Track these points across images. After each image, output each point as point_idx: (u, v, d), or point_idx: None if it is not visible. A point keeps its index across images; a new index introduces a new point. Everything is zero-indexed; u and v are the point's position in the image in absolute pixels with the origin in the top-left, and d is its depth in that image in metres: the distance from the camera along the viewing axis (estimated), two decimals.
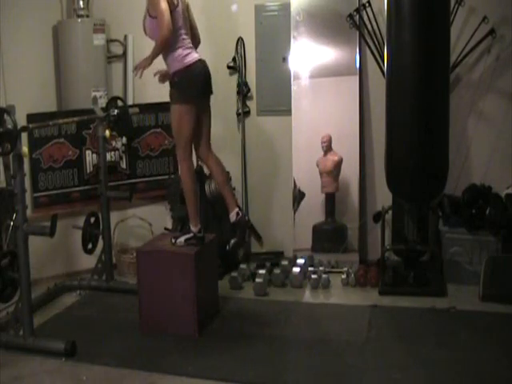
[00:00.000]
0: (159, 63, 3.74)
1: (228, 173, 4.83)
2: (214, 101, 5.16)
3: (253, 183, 4.96)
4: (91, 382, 3.16)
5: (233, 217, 3.79)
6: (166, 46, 3.57)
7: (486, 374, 3.10)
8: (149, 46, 5.18)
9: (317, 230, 4.80)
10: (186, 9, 3.76)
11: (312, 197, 4.80)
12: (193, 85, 3.65)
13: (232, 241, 3.79)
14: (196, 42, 3.86)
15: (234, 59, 4.84)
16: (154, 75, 3.77)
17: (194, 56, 3.67)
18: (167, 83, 3.77)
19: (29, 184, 4.30)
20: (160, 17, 3.50)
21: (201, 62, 3.71)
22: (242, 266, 4.56)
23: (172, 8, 3.56)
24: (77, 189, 4.68)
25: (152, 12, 3.58)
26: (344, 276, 4.41)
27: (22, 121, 3.57)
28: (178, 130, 3.71)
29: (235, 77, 4.88)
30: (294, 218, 4.81)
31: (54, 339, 3.46)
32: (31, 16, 4.60)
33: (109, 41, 4.97)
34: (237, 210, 3.81)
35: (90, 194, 4.66)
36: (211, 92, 3.83)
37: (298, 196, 4.79)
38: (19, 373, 3.22)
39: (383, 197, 4.54)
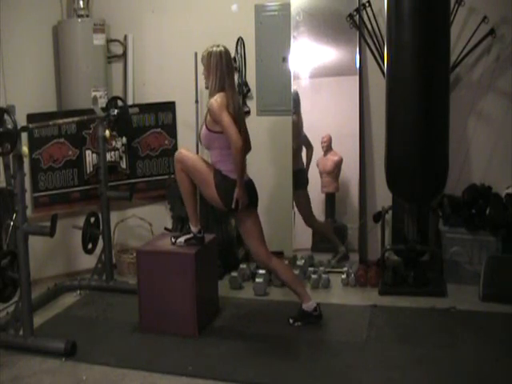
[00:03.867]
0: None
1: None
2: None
3: None
4: (91, 381, 3.15)
5: (309, 307, 3.70)
6: (243, 156, 3.48)
7: (486, 373, 3.10)
8: (149, 45, 5.22)
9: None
10: (241, 119, 3.62)
11: (312, 197, 4.80)
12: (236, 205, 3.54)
13: (296, 323, 3.72)
14: (247, 149, 3.69)
15: (234, 59, 4.83)
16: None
17: (247, 176, 3.61)
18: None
19: (29, 184, 4.31)
20: (226, 129, 3.40)
21: (250, 183, 3.65)
22: (242, 265, 4.56)
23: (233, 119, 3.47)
24: (77, 189, 4.68)
25: (212, 126, 3.50)
26: (344, 276, 4.42)
27: (22, 121, 3.57)
28: (192, 172, 3.60)
29: (235, 77, 4.86)
30: (293, 218, 4.82)
31: (53, 339, 3.46)
32: (31, 16, 4.60)
33: (109, 41, 4.97)
34: (315, 303, 3.72)
35: (89, 194, 4.66)
36: (257, 205, 3.72)
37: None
38: (19, 373, 3.22)
39: (383, 197, 4.54)
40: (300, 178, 4.77)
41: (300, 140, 4.76)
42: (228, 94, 3.51)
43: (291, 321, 3.74)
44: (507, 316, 3.75)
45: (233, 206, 3.53)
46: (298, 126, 4.75)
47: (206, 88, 3.61)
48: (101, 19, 4.81)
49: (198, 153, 4.57)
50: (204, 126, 3.58)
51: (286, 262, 4.55)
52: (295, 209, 4.82)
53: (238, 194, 3.51)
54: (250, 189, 3.62)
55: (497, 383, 3.04)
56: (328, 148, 4.73)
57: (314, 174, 4.77)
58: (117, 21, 5.01)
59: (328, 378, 3.11)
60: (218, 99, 3.47)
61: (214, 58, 3.54)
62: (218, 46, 3.59)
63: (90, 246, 4.39)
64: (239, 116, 3.57)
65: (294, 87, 4.76)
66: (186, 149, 3.78)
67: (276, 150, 4.91)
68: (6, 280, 3.41)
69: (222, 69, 3.52)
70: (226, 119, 3.42)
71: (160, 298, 3.64)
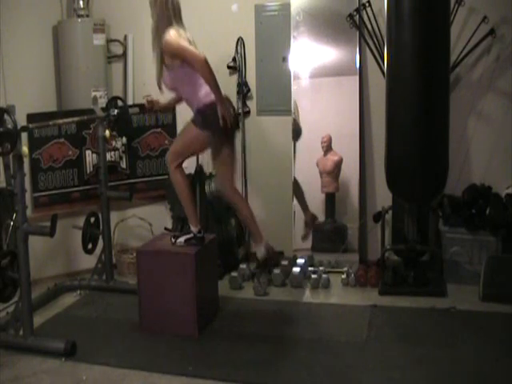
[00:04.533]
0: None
1: None
2: None
3: (253, 183, 4.96)
4: (91, 381, 3.15)
5: (261, 252, 3.77)
6: (211, 69, 3.47)
7: (486, 374, 3.10)
8: (149, 45, 5.21)
9: (317, 230, 4.80)
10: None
11: (312, 197, 4.80)
12: (224, 123, 3.54)
13: (259, 280, 3.77)
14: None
15: (234, 59, 4.84)
16: (143, 98, 3.76)
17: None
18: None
19: (29, 184, 4.31)
20: (186, 52, 3.44)
21: (226, 99, 3.65)
22: (242, 266, 4.56)
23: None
24: (77, 189, 4.68)
25: (171, 62, 3.51)
26: (344, 276, 4.42)
27: (22, 121, 3.57)
28: (184, 148, 3.68)
29: (235, 77, 4.88)
30: (293, 218, 4.81)
31: (53, 339, 3.46)
32: (31, 16, 4.60)
33: (109, 41, 4.97)
34: (264, 243, 3.79)
35: (89, 194, 4.66)
36: (238, 127, 3.78)
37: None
38: (19, 373, 3.22)
39: (383, 197, 4.54)
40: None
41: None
42: (176, 27, 3.53)
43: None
44: (507, 316, 3.75)
45: (221, 123, 3.50)
46: None
47: (153, 32, 3.58)
48: (101, 19, 4.81)
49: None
50: (164, 71, 3.57)
51: (286, 262, 4.56)
52: (295, 209, 4.81)
53: (221, 110, 3.49)
54: (228, 104, 3.63)
55: (497, 383, 3.04)
56: (328, 148, 4.73)
57: (314, 174, 4.77)
58: (117, 21, 5.01)
59: (328, 378, 3.11)
60: (170, 33, 3.49)
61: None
62: None
63: (90, 246, 4.39)
64: (195, 44, 3.58)
65: (293, 87, 4.76)
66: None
67: (276, 149, 4.91)
68: (6, 280, 3.42)
69: (168, 7, 3.54)
70: (183, 43, 3.45)
71: (160, 298, 3.64)
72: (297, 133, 4.79)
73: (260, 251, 3.79)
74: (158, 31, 3.55)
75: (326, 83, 4.79)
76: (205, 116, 3.57)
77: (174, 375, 3.19)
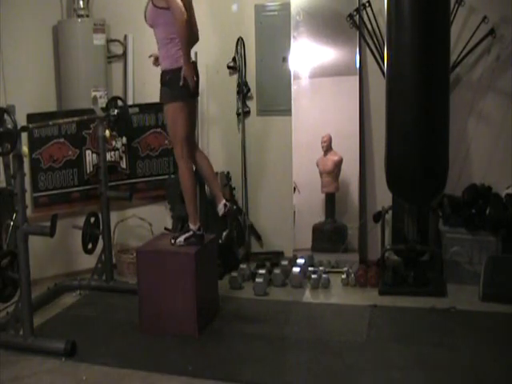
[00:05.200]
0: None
1: (228, 173, 4.84)
2: (214, 101, 5.18)
3: (253, 183, 4.96)
4: (91, 381, 3.15)
5: (221, 209, 3.82)
6: (187, 30, 3.51)
7: (486, 373, 3.10)
8: (148, 45, 5.20)
9: (317, 230, 4.80)
10: (189, 6, 3.72)
11: (312, 197, 4.80)
12: (185, 85, 3.62)
13: (224, 233, 3.81)
14: (194, 40, 3.84)
15: (234, 59, 4.84)
16: (149, 57, 3.78)
17: None
18: None
19: (29, 184, 4.30)
20: (173, 4, 3.47)
21: (194, 64, 3.70)
22: (242, 266, 4.56)
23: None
24: (77, 189, 4.68)
25: (158, 2, 3.55)
26: (344, 276, 4.41)
27: (22, 121, 3.57)
28: (174, 129, 3.72)
29: (235, 77, 4.88)
30: (294, 217, 4.82)
31: (53, 339, 3.46)
32: (31, 16, 4.60)
33: (109, 41, 4.97)
34: (224, 201, 3.83)
35: (89, 194, 4.66)
36: (198, 93, 3.83)
37: None
38: (19, 373, 3.22)
39: (383, 197, 4.54)
40: None
41: None
42: None
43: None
44: (507, 316, 3.75)
45: (181, 83, 3.55)
46: None
47: None
48: (101, 19, 4.81)
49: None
50: (150, 4, 3.61)
51: (286, 262, 4.56)
52: (295, 209, 4.81)
53: (186, 72, 3.55)
54: (195, 69, 3.67)
55: (496, 383, 3.04)
56: (328, 148, 4.73)
57: (314, 174, 4.77)
58: (117, 21, 5.01)
59: (328, 378, 3.11)
60: None
61: None
62: None
63: (90, 246, 4.39)
64: (188, 3, 3.62)
65: (293, 87, 4.76)
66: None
67: (276, 149, 4.91)
68: (6, 280, 3.41)
69: None
70: None
71: (160, 298, 3.64)
72: None
73: (220, 209, 3.83)
74: None
75: (326, 83, 4.79)
76: (169, 85, 3.63)
77: (174, 375, 3.18)
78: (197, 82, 3.72)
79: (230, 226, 3.89)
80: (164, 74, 3.68)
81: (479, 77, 4.45)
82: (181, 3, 3.50)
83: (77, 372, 3.23)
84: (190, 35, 3.61)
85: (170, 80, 3.64)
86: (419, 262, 4.30)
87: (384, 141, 4.13)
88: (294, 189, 4.82)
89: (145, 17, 3.73)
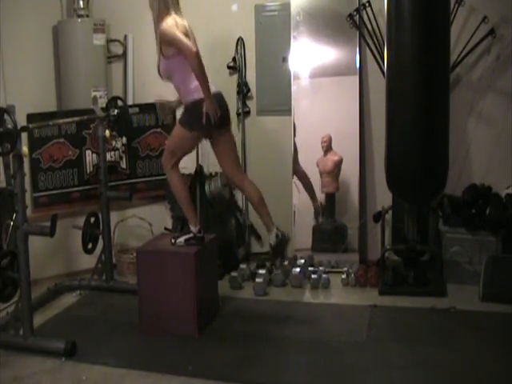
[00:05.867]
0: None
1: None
2: None
3: None
4: (91, 381, 3.15)
5: (272, 239, 3.76)
6: (202, 64, 3.47)
7: (486, 373, 3.09)
8: (148, 45, 5.21)
9: (317, 230, 4.80)
10: (194, 42, 3.68)
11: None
12: (208, 119, 3.53)
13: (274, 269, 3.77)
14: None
15: (234, 59, 4.84)
16: (154, 101, 3.76)
17: (211, 88, 3.57)
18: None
19: (29, 184, 4.31)
20: (179, 43, 3.46)
21: (218, 95, 3.64)
22: (242, 265, 4.56)
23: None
24: (77, 189, 4.68)
25: (167, 51, 3.54)
26: (344, 276, 4.41)
27: (22, 121, 3.57)
28: (175, 148, 3.69)
29: (235, 77, 4.88)
30: (294, 218, 4.82)
31: (53, 339, 3.46)
32: (31, 16, 4.60)
33: (109, 41, 4.98)
34: (275, 231, 3.77)
35: (89, 194, 4.66)
36: (229, 122, 3.76)
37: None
38: (19, 373, 3.22)
39: (383, 197, 4.54)
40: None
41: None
42: (175, 16, 3.57)
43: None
44: (507, 316, 3.75)
45: (203, 121, 3.51)
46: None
47: (154, 21, 3.63)
48: (101, 19, 4.81)
49: (197, 154, 4.58)
50: (160, 58, 3.61)
51: (286, 262, 4.56)
52: (295, 209, 4.82)
53: (207, 107, 3.49)
54: (219, 101, 3.62)
55: (496, 383, 3.04)
56: (328, 148, 4.73)
57: (314, 174, 4.77)
58: (117, 21, 5.01)
59: (328, 378, 3.11)
60: (167, 22, 3.52)
61: None
62: None
63: (90, 245, 4.39)
64: (191, 34, 3.62)
65: (293, 87, 4.76)
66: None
67: (276, 150, 4.91)
68: (6, 280, 3.41)
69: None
70: (178, 33, 3.48)
71: (160, 298, 3.64)
72: None
73: (271, 239, 3.78)
74: (158, 20, 3.58)
75: (326, 83, 4.79)
76: (190, 114, 3.60)
77: (174, 375, 3.18)
78: (226, 114, 3.67)
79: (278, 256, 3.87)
80: (184, 110, 3.65)
81: (479, 77, 4.45)
82: (185, 39, 3.47)
83: (77, 372, 3.23)
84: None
85: (190, 110, 3.59)
86: (419, 262, 4.30)
87: (384, 141, 4.13)
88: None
89: (158, 71, 3.70)
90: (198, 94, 3.53)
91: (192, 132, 3.62)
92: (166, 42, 3.54)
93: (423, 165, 3.95)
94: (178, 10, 3.64)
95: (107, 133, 4.33)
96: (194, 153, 3.85)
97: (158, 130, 4.97)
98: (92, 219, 4.37)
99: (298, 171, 4.83)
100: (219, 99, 3.62)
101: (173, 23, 3.53)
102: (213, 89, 3.57)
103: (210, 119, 3.51)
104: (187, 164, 4.46)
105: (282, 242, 3.78)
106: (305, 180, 4.82)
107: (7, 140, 3.19)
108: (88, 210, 4.44)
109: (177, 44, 3.49)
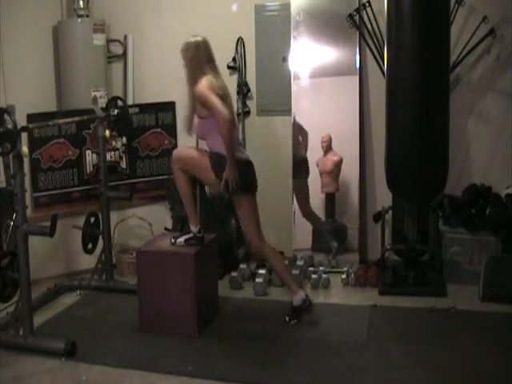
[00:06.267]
0: None
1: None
2: None
3: None
4: (91, 381, 3.15)
5: (297, 301, 3.71)
6: (232, 131, 3.49)
7: (486, 373, 3.10)
8: (148, 45, 5.20)
9: (317, 230, 4.80)
10: (229, 104, 3.66)
11: (312, 197, 4.80)
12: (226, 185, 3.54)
13: (292, 321, 3.74)
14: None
15: (234, 59, 4.84)
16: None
17: (241, 155, 3.61)
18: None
19: (29, 184, 4.31)
20: (213, 107, 3.43)
21: (245, 163, 3.63)
22: (242, 265, 4.56)
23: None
24: (77, 189, 4.68)
25: (202, 112, 3.53)
26: (344, 276, 4.42)
27: (22, 121, 3.57)
28: (191, 165, 3.63)
29: (235, 77, 4.88)
30: (294, 217, 4.82)
31: (53, 339, 3.46)
32: (31, 16, 4.60)
33: (109, 41, 4.98)
34: (301, 294, 3.71)
35: (89, 194, 4.66)
36: (256, 189, 3.74)
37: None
38: (19, 373, 3.22)
39: (383, 197, 4.54)
40: (300, 167, 4.76)
41: (295, 130, 4.77)
42: (210, 77, 3.53)
43: (287, 319, 3.75)
44: (507, 316, 3.75)
45: (221, 189, 3.53)
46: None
47: (188, 82, 3.61)
48: (101, 19, 4.81)
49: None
50: (195, 117, 3.61)
51: (286, 262, 4.55)
52: (295, 209, 4.82)
53: (228, 174, 3.49)
54: (246, 170, 3.62)
55: (496, 383, 3.04)
56: (328, 148, 4.73)
57: (314, 174, 4.77)
58: (117, 21, 5.01)
59: (328, 378, 3.11)
60: (202, 82, 3.50)
61: (191, 49, 3.57)
62: (196, 36, 3.61)
63: (90, 245, 4.39)
64: (226, 96, 3.59)
65: (293, 87, 4.76)
66: (182, 148, 3.82)
67: (276, 150, 4.91)
68: (6, 280, 3.41)
69: (200, 58, 3.56)
70: (213, 98, 3.45)
71: (160, 298, 3.64)
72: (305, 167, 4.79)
73: (296, 300, 3.73)
74: (192, 79, 3.56)
75: (326, 83, 4.79)
76: (218, 162, 3.55)
77: (174, 375, 3.18)
78: (252, 180, 3.67)
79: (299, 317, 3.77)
80: (216, 155, 3.58)
81: (479, 77, 4.45)
82: (220, 104, 3.43)
83: (77, 372, 3.23)
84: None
85: (218, 163, 3.55)
86: (419, 262, 4.30)
87: (384, 141, 4.13)
88: None
89: (187, 130, 3.72)
90: (245, 155, 3.59)
91: (213, 171, 3.58)
92: (201, 103, 3.52)
93: (423, 165, 3.95)
94: (213, 69, 3.59)
95: (107, 133, 4.33)
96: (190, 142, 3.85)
97: (158, 129, 4.97)
98: (92, 219, 4.37)
99: (307, 212, 4.79)
100: (246, 167, 3.62)
101: (208, 84, 3.48)
102: (242, 155, 3.61)
103: (228, 185, 3.51)
104: None
105: (306, 308, 3.73)
106: (315, 221, 4.80)
107: (7, 140, 3.19)
108: (88, 210, 4.44)
109: (211, 108, 3.46)
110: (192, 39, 3.59)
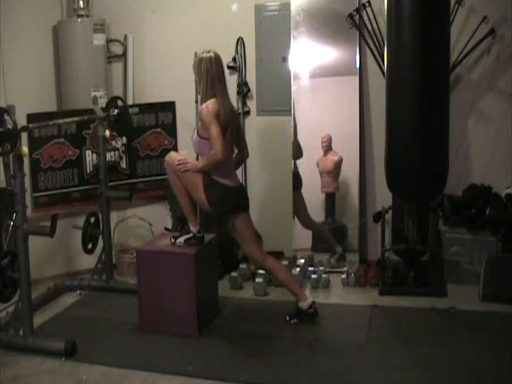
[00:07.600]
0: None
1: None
2: None
3: (253, 183, 4.96)
4: (91, 381, 3.16)
5: (304, 306, 3.72)
6: (217, 164, 3.51)
7: (486, 373, 3.10)
8: (148, 45, 5.20)
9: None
10: (237, 129, 3.70)
11: (312, 197, 4.80)
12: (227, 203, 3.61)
13: (292, 320, 3.76)
14: (242, 158, 3.86)
15: (234, 59, 4.83)
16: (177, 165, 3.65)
17: (234, 182, 3.65)
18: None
19: (29, 184, 4.31)
20: (214, 143, 3.44)
21: (237, 189, 3.67)
22: (242, 265, 4.56)
23: (223, 132, 3.48)
24: (77, 189, 4.69)
25: (202, 133, 3.54)
26: (344, 276, 4.42)
27: (22, 121, 3.57)
28: (187, 180, 3.61)
29: (235, 77, 4.88)
30: (293, 218, 4.81)
31: (53, 339, 3.46)
32: (31, 16, 4.60)
33: (109, 41, 4.98)
34: (309, 301, 3.73)
35: (89, 194, 4.67)
36: (247, 209, 3.75)
37: None
38: (19, 373, 3.22)
39: (383, 197, 4.54)
40: (295, 180, 4.77)
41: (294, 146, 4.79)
42: (219, 99, 3.53)
43: (287, 318, 3.76)
44: (507, 316, 3.75)
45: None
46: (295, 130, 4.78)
47: (199, 94, 3.64)
48: (101, 19, 4.81)
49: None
50: (195, 132, 3.62)
51: (286, 262, 4.55)
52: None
53: (192, 166, 3.53)
54: (239, 193, 3.68)
55: (496, 383, 3.04)
56: (328, 148, 4.73)
57: (314, 174, 4.77)
58: (117, 21, 5.01)
59: (328, 378, 3.11)
60: (209, 106, 3.50)
61: (204, 64, 3.55)
62: (209, 51, 3.60)
63: (90, 245, 4.39)
64: (231, 122, 3.59)
65: (293, 87, 4.76)
66: (176, 152, 3.81)
67: (276, 150, 4.91)
68: (6, 280, 3.41)
69: (213, 75, 3.55)
70: (214, 129, 3.44)
71: (160, 298, 3.64)
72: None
73: (303, 305, 3.73)
74: (203, 95, 3.57)
75: (326, 83, 4.79)
76: (209, 187, 3.57)
77: (174, 375, 3.19)
78: (243, 201, 3.70)
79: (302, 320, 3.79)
80: (209, 179, 3.59)
81: (479, 77, 4.45)
82: (220, 136, 3.43)
83: (77, 372, 3.23)
84: (224, 163, 3.53)
85: (209, 186, 3.57)
86: (419, 262, 4.30)
87: (384, 141, 4.13)
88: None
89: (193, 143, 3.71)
90: (219, 178, 3.56)
91: (206, 200, 3.59)
92: (203, 125, 3.53)
93: (423, 165, 3.95)
94: (224, 88, 3.58)
95: (107, 133, 4.33)
96: (193, 153, 3.84)
97: (158, 129, 4.98)
98: (92, 219, 4.37)
99: (309, 223, 4.80)
100: (236, 191, 3.65)
101: (215, 111, 3.47)
102: (235, 183, 3.66)
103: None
104: None
105: (310, 314, 3.73)
106: (319, 229, 4.80)
107: (7, 140, 3.19)
108: (88, 210, 4.44)
109: (210, 138, 3.46)
110: (206, 54, 3.57)
